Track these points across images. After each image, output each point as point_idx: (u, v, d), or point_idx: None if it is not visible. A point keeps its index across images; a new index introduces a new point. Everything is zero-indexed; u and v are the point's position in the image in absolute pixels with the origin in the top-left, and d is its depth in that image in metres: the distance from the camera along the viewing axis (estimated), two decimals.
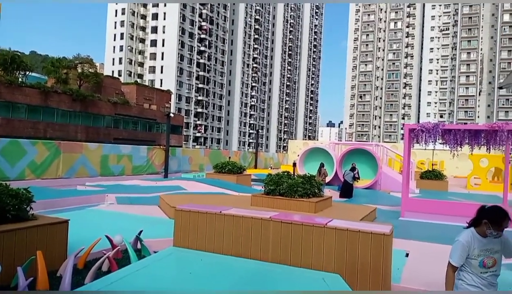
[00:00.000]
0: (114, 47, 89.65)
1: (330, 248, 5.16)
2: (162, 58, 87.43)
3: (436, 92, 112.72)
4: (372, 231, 4.97)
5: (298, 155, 33.52)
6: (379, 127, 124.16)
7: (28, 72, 44.08)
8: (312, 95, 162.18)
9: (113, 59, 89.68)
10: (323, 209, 9.80)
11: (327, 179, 18.38)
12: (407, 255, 6.85)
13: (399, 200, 16.10)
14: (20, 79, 40.44)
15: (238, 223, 5.74)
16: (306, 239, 5.29)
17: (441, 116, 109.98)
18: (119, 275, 4.90)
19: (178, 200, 10.77)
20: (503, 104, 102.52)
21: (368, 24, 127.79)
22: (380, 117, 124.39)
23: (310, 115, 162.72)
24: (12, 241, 4.90)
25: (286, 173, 10.38)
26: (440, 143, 11.56)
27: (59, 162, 17.47)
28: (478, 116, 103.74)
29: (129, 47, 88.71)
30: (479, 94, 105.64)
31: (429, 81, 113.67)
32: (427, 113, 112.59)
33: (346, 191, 16.25)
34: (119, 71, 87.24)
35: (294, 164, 13.40)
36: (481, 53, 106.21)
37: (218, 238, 5.87)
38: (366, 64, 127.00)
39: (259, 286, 4.72)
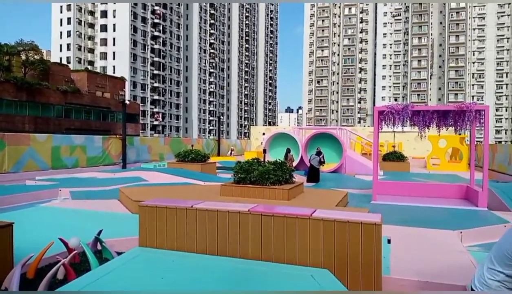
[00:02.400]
0: (61, 32, 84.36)
1: (316, 241, 4.69)
2: (114, 44, 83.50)
3: (390, 76, 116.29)
4: (362, 221, 4.54)
5: (262, 141, 33.21)
6: (337, 111, 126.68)
7: None
8: (271, 81, 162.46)
9: (61, 45, 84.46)
10: (295, 196, 9.40)
11: (294, 164, 18.10)
12: (389, 241, 6.55)
13: (367, 183, 16.16)
14: None
15: (212, 217, 5.14)
16: (290, 233, 4.80)
17: (396, 100, 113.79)
18: (79, 284, 4.18)
19: (140, 192, 9.97)
20: (453, 87, 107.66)
21: (323, 10, 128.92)
22: (337, 102, 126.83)
23: (270, 101, 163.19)
24: None
25: (256, 160, 9.85)
26: (408, 125, 11.46)
27: (3, 155, 15.93)
28: (430, 99, 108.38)
29: (77, 33, 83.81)
30: (430, 78, 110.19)
31: (383, 65, 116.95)
32: (382, 97, 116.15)
33: (313, 175, 16.05)
34: (68, 58, 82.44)
35: (265, 151, 12.89)
36: (431, 38, 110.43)
37: (190, 235, 5.25)
38: (322, 50, 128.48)
39: (242, 286, 4.18)
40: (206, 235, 5.16)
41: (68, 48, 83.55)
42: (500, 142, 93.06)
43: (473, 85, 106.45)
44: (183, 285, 4.21)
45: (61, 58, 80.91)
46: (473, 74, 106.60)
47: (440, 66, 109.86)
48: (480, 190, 10.11)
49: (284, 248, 4.82)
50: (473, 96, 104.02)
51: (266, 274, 4.50)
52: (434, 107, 10.46)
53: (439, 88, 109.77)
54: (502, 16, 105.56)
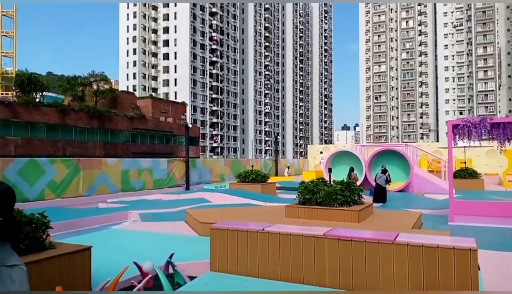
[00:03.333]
0: (127, 62, 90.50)
1: (402, 268, 4.30)
2: (175, 71, 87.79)
3: (454, 89, 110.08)
4: (454, 246, 4.09)
5: (321, 160, 32.58)
6: (397, 127, 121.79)
7: (45, 92, 44.38)
8: (326, 99, 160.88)
9: (127, 74, 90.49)
10: (366, 218, 8.90)
11: (358, 183, 17.41)
12: (478, 268, 5.90)
13: (439, 202, 15.08)
14: (37, 99, 40.66)
15: (285, 241, 4.93)
16: (371, 259, 4.44)
17: (461, 113, 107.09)
18: None
19: (206, 214, 10.03)
20: None
21: (379, 25, 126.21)
22: (397, 118, 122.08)
23: (325, 119, 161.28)
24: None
25: (321, 180, 9.52)
26: (484, 139, 10.56)
27: (79, 179, 16.97)
28: (499, 112, 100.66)
29: (142, 62, 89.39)
30: (499, 89, 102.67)
31: (445, 78, 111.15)
32: (446, 111, 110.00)
33: (380, 195, 15.28)
34: (134, 86, 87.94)
35: (330, 170, 12.48)
36: (498, 47, 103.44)
37: (262, 260, 5.07)
38: (379, 65, 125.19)
39: None
40: (279, 259, 4.96)
41: (134, 77, 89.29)
42: None
43: None
44: None
45: (128, 87, 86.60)
46: None
47: (509, 76, 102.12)
48: None
49: (365, 276, 4.47)
50: None
51: None
52: None
53: (510, 99, 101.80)
54: None
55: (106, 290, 4.97)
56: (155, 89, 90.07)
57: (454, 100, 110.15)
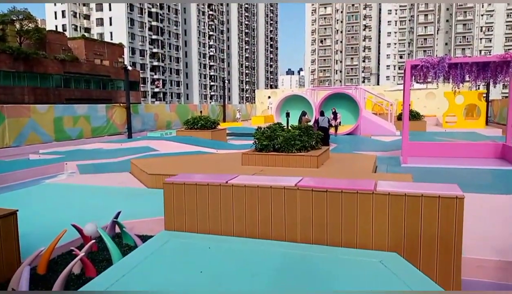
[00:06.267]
0: None
1: (382, 221, 3.91)
2: (110, 9, 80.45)
3: (395, 33, 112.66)
4: (440, 194, 3.73)
5: (269, 105, 32.16)
6: (341, 71, 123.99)
7: None
8: (271, 43, 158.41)
9: (55, 12, 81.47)
10: (323, 163, 8.60)
11: None
12: None
13: (387, 144, 15.35)
14: None
15: (252, 195, 4.35)
16: (349, 211, 4.01)
17: (401, 57, 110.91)
18: (103, 282, 3.45)
19: (153, 164, 9.19)
20: (460, 42, 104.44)
21: None
22: (341, 62, 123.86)
23: (271, 63, 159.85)
24: None
25: (278, 125, 8.97)
26: (440, 80, 10.46)
27: (4, 128, 15.10)
28: (436, 56, 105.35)
29: None
30: (437, 33, 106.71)
31: (388, 22, 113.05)
32: (387, 55, 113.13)
33: (324, 138, 15.10)
34: (63, 26, 79.78)
35: (288, 114, 11.92)
36: None
37: (226, 216, 4.48)
38: (325, 7, 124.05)
39: (298, 277, 3.43)
40: (244, 215, 4.39)
41: (63, 15, 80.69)
42: (507, 97, 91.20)
43: (481, 39, 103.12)
44: (227, 279, 3.47)
45: (56, 26, 78.33)
46: (481, 27, 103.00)
47: (447, 20, 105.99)
48: None
49: (340, 229, 4.05)
50: (480, 51, 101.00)
51: (325, 262, 3.75)
52: (474, 59, 9.44)
53: (446, 44, 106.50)
54: None
55: (40, 261, 4.15)
56: (88, 30, 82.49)
57: (395, 44, 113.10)
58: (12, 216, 4.03)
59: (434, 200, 3.74)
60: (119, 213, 5.28)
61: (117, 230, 5.36)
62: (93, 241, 4.44)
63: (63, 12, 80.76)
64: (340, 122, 17.99)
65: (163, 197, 4.77)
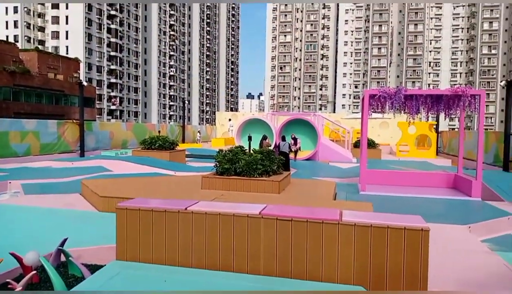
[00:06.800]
0: (6, 8, 77.61)
1: (347, 252, 3.80)
2: (67, 22, 78.06)
3: (351, 63, 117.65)
4: (405, 226, 3.69)
5: (230, 128, 32.05)
6: (299, 98, 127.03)
7: None
8: (232, 66, 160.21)
9: (6, 22, 77.79)
10: (284, 188, 8.51)
11: None
12: None
13: (345, 171, 15.61)
14: None
15: (213, 223, 4.11)
16: (314, 241, 3.87)
17: (356, 87, 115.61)
18: None
19: (106, 185, 8.67)
20: (411, 75, 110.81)
21: None
22: (299, 88, 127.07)
23: (232, 86, 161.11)
24: None
25: (240, 148, 8.82)
26: (396, 110, 10.83)
27: None
28: (389, 87, 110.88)
29: (25, 9, 77.45)
30: (390, 66, 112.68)
31: (344, 52, 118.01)
32: (343, 84, 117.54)
33: (285, 163, 15.16)
34: (15, 37, 76.21)
35: (250, 138, 11.79)
36: (391, 26, 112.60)
37: (184, 246, 4.19)
38: (285, 35, 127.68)
39: None
40: (204, 245, 4.13)
41: (16, 26, 77.21)
42: (453, 129, 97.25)
43: (429, 73, 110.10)
44: None
45: (7, 36, 74.64)
46: (430, 62, 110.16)
47: (399, 54, 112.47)
48: (473, 179, 9.68)
49: (305, 261, 3.89)
50: (429, 85, 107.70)
51: None
52: (428, 92, 9.86)
53: (397, 76, 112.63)
54: (457, 6, 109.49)
55: None
56: (42, 42, 79.33)
57: (351, 74, 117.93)
58: None
59: (399, 231, 3.69)
60: (65, 239, 4.82)
61: (63, 258, 4.88)
62: (34, 271, 3.97)
63: (15, 22, 77.34)
64: (300, 147, 18.16)
65: (115, 222, 4.41)
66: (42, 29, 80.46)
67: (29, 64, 48.44)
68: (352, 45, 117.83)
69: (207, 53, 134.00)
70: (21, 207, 7.72)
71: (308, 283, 3.80)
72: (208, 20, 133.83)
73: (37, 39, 79.19)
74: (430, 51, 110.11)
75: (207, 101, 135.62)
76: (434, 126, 24.57)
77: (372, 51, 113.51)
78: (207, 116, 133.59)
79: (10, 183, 10.75)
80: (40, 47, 69.91)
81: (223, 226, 4.07)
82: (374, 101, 10.13)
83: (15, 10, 77.08)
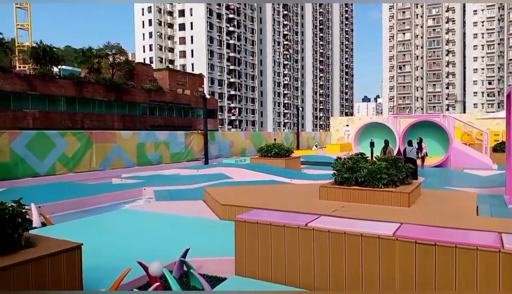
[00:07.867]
0: (143, 34, 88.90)
1: (509, 287, 2.97)
2: (192, 42, 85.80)
3: (482, 57, 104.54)
4: None
5: (346, 133, 31.01)
6: (422, 98, 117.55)
7: (61, 64, 43.52)
8: (347, 70, 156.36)
9: (143, 46, 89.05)
10: (415, 200, 7.55)
11: None
12: None
13: (484, 179, 13.52)
14: (54, 72, 39.89)
15: (337, 243, 3.65)
16: (465, 274, 3.12)
17: (490, 83, 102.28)
18: None
19: (227, 193, 8.84)
20: None
21: None
22: (422, 88, 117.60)
23: (346, 90, 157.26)
24: None
25: (361, 155, 8.15)
26: None
27: (91, 153, 16.06)
28: None
29: (158, 33, 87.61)
30: None
31: (474, 46, 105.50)
32: (473, 81, 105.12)
33: (413, 171, 13.74)
34: (150, 58, 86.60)
35: (372, 143, 11.02)
36: None
37: (305, 266, 3.81)
38: (404, 33, 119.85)
39: None
40: (328, 265, 3.70)
41: (150, 49, 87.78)
42: None
43: None
44: None
45: (144, 59, 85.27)
46: None
47: None
48: None
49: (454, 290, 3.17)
50: None
51: None
52: None
53: None
54: None
55: None
56: (171, 61, 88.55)
57: (483, 69, 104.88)
58: (76, 250, 3.79)
59: None
60: (187, 250, 4.87)
61: (185, 268, 4.95)
62: (157, 283, 4.03)
63: (150, 45, 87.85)
64: (426, 153, 16.43)
65: (234, 231, 4.27)
66: (171, 50, 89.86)
67: (161, 82, 54.27)
68: (483, 38, 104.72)
69: (321, 59, 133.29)
70: (152, 213, 8.30)
71: None
72: (321, 26, 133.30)
73: (167, 59, 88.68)
74: None
75: (321, 106, 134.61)
76: None
77: (508, 42, 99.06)
78: (321, 122, 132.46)
79: (144, 189, 11.81)
80: (170, 66, 77.99)
81: (348, 247, 3.59)
82: None
83: (150, 35, 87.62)
